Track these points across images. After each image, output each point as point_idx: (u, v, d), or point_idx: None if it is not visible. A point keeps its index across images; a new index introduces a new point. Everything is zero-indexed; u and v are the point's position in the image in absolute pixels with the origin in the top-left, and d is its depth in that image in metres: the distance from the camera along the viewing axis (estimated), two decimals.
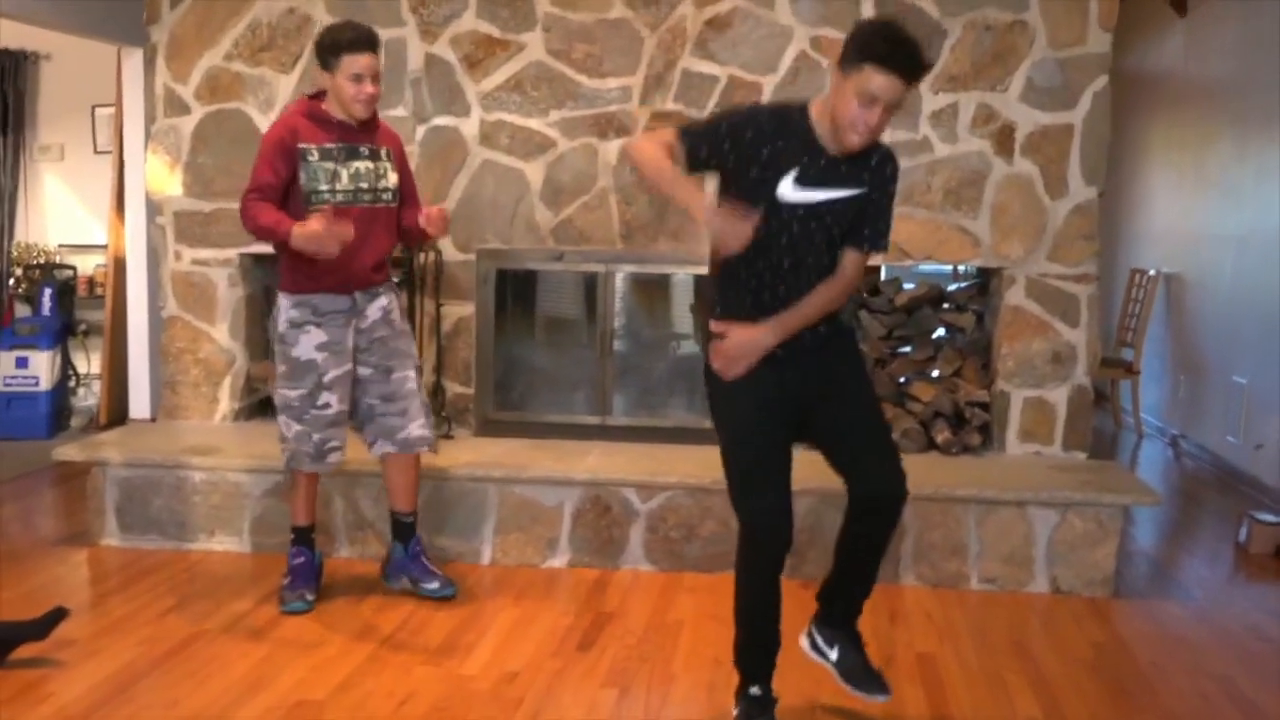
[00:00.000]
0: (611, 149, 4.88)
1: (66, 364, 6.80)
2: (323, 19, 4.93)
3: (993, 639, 3.82)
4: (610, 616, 3.98)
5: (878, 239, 3.00)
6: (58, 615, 3.55)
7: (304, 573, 4.03)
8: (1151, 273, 7.28)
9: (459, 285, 5.01)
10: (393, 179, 3.92)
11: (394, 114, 4.92)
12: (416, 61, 4.94)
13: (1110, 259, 7.83)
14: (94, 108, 7.06)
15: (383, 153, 3.90)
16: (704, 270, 4.88)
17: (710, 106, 4.80)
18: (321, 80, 3.79)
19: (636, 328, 5.39)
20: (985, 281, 5.04)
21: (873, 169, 2.94)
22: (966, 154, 4.75)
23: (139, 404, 6.28)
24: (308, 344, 3.83)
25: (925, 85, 4.70)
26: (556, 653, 3.66)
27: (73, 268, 7.11)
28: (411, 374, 4.00)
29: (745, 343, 3.01)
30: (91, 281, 7.08)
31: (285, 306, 3.84)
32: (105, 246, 6.69)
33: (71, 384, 6.91)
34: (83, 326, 6.96)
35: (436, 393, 4.96)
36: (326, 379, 3.85)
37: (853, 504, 3.10)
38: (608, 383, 5.06)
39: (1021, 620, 4.01)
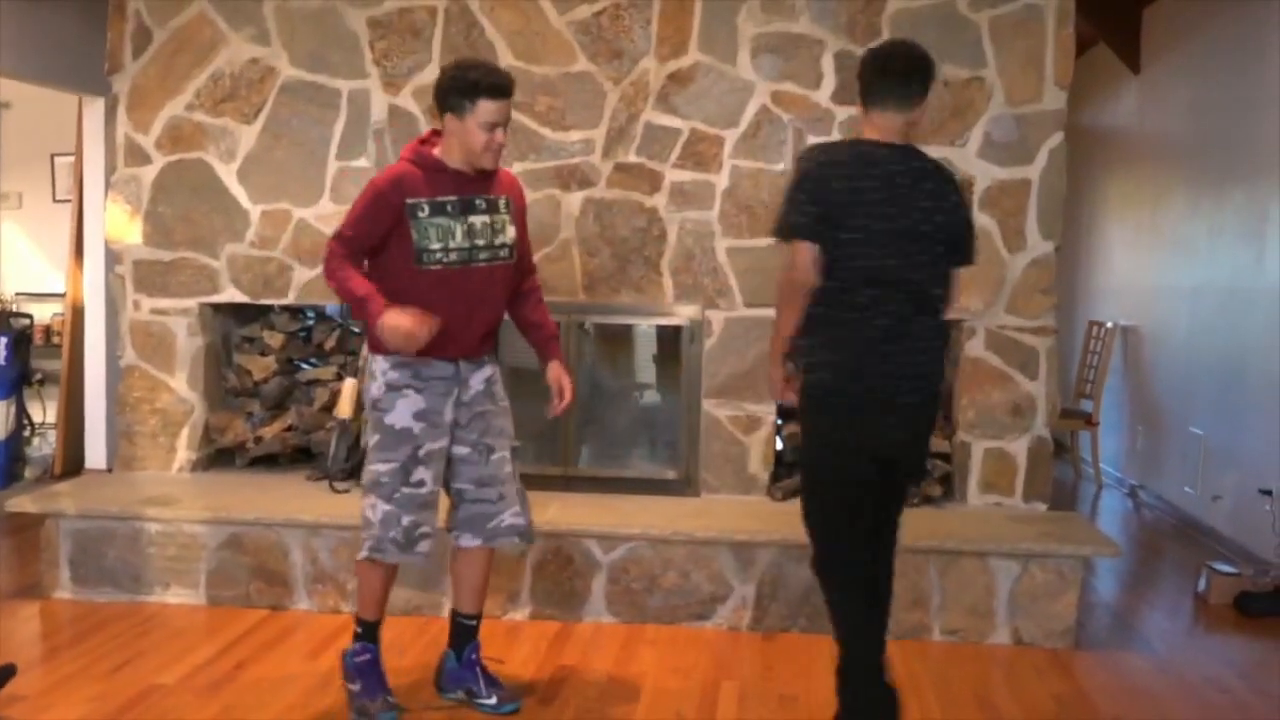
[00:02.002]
0: (574, 201, 4.90)
1: (21, 413, 6.70)
2: (286, 70, 4.94)
3: (955, 691, 3.82)
4: (571, 670, 3.94)
5: (972, 254, 3.26)
6: (6, 672, 3.47)
7: (374, 673, 3.48)
8: (1109, 325, 7.37)
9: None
10: (511, 233, 3.49)
11: (356, 165, 4.93)
12: (380, 112, 4.95)
13: (1068, 312, 7.93)
14: (53, 156, 7.04)
15: (501, 203, 3.48)
16: (665, 321, 4.93)
17: (673, 159, 4.84)
18: (447, 124, 3.35)
19: (599, 378, 5.38)
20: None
21: (947, 181, 3.17)
22: None
23: (95, 454, 6.20)
24: (405, 410, 3.38)
25: None
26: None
27: (29, 316, 7.04)
28: (509, 455, 3.58)
29: None
30: (48, 330, 7.02)
31: (383, 368, 3.40)
32: (63, 295, 6.63)
33: (26, 433, 6.82)
34: (39, 375, 6.89)
35: None
36: (422, 452, 3.40)
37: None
38: (570, 433, 5.05)
39: (984, 672, 4.00)
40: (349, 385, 4.84)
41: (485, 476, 3.52)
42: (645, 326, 5.17)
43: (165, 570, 4.50)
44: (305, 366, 5.33)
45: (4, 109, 7.14)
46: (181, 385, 5.12)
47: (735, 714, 3.61)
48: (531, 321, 3.70)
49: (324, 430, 5.05)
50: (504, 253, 3.47)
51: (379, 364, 3.41)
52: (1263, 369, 5.43)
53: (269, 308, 5.27)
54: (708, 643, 4.23)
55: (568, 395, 3.67)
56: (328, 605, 4.43)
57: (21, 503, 4.65)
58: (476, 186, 3.42)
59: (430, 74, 4.89)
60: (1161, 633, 4.59)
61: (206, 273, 5.07)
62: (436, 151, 3.41)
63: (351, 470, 4.89)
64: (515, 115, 4.85)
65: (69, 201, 6.61)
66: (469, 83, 3.28)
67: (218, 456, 5.24)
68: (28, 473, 6.60)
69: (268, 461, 5.22)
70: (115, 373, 5.34)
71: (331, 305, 5.28)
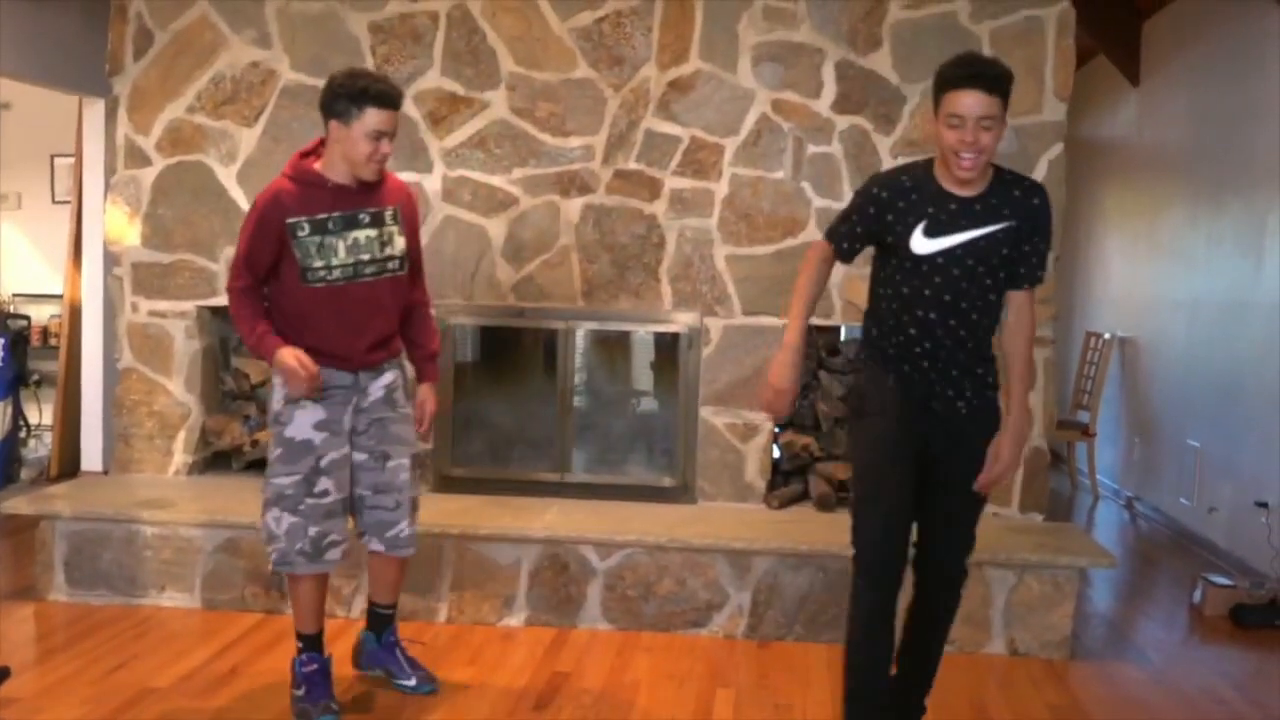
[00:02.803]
0: (573, 207, 4.90)
1: (18, 414, 6.69)
2: (287, 74, 4.95)
3: (951, 701, 3.81)
4: (566, 677, 3.94)
5: (1034, 273, 3.05)
6: (0, 675, 3.47)
7: (320, 681, 3.51)
8: (1107, 336, 7.37)
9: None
10: (400, 245, 3.46)
11: None
12: None
13: (1066, 323, 7.95)
14: (53, 157, 7.04)
15: (387, 215, 3.44)
16: (663, 328, 4.93)
17: (673, 167, 4.85)
18: (331, 132, 3.32)
19: (597, 385, 5.38)
20: None
21: (1015, 200, 2.99)
22: None
23: (91, 456, 6.19)
24: (304, 422, 3.39)
25: (885, 149, 4.78)
26: (511, 713, 3.61)
27: (27, 317, 7.04)
28: (407, 463, 3.58)
29: (1017, 444, 3.05)
30: (45, 331, 7.01)
31: (279, 382, 3.41)
32: (60, 296, 6.62)
33: (22, 435, 6.81)
34: (35, 377, 6.88)
35: None
36: (324, 462, 3.41)
37: (918, 571, 3.19)
38: (567, 440, 5.05)
39: (979, 682, 4.00)
40: None
41: (381, 483, 3.54)
42: (643, 333, 5.17)
43: (160, 573, 4.50)
44: None
45: (4, 109, 7.14)
46: (179, 388, 5.11)
47: None
48: (409, 338, 3.69)
49: None
50: (393, 265, 3.46)
51: (277, 378, 3.42)
52: (1260, 382, 5.43)
53: None
54: (703, 650, 4.22)
55: (426, 423, 3.70)
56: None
57: (17, 504, 4.64)
58: (359, 200, 3.39)
59: (433, 79, 4.90)
60: (1157, 644, 4.59)
61: (205, 275, 5.07)
62: (318, 165, 3.37)
63: None
64: (516, 121, 4.88)
65: (68, 203, 6.60)
66: (357, 89, 3.25)
67: (214, 460, 5.23)
68: (23, 474, 6.58)
69: (264, 465, 5.20)
70: (112, 375, 5.34)
71: None
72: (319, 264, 3.33)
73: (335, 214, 3.34)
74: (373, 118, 3.25)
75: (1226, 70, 5.93)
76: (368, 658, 3.79)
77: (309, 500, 3.41)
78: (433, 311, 3.85)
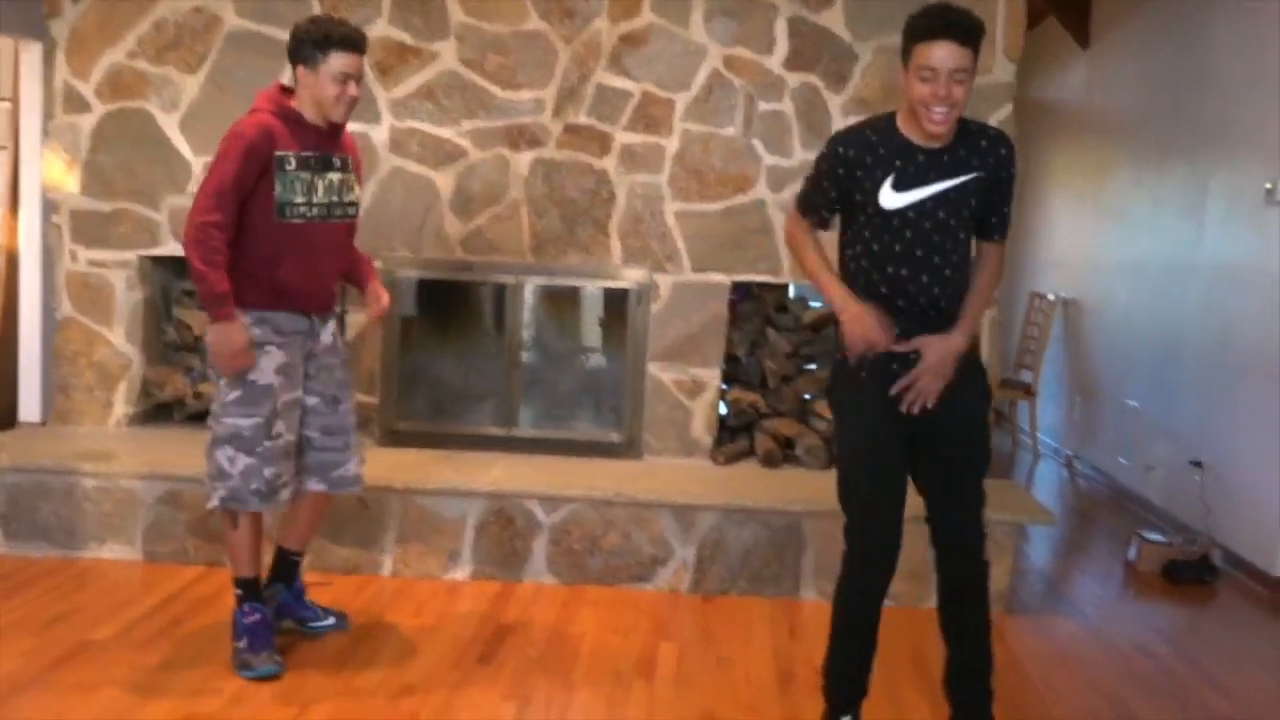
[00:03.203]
0: (523, 160, 4.87)
1: None
2: (231, 20, 4.86)
3: (892, 654, 3.86)
4: (511, 629, 3.95)
5: (1004, 226, 3.04)
6: None
7: (263, 632, 3.51)
8: (1050, 297, 7.46)
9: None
10: (357, 192, 3.62)
11: None
12: None
13: (1011, 283, 8.02)
14: None
15: (349, 163, 3.58)
16: (612, 284, 4.92)
17: (624, 122, 4.82)
18: (300, 78, 3.39)
19: (545, 340, 5.37)
20: None
21: (983, 151, 2.93)
22: None
23: (29, 407, 6.07)
24: (268, 366, 3.42)
25: (835, 108, 4.78)
26: (456, 665, 3.62)
27: None
28: (352, 405, 3.71)
29: (945, 354, 2.94)
30: None
31: (244, 323, 3.39)
32: None
33: None
34: None
35: None
36: (281, 405, 3.46)
37: (935, 547, 3.14)
38: (515, 394, 5.04)
39: (919, 635, 4.06)
40: None
41: (333, 425, 3.63)
42: (592, 289, 5.16)
43: (101, 525, 4.45)
44: None
45: None
46: (119, 339, 5.04)
47: (673, 674, 3.64)
48: (356, 267, 3.79)
49: None
50: (352, 210, 3.60)
51: (239, 318, 3.39)
52: (1198, 344, 5.53)
53: None
54: (648, 604, 4.26)
55: (385, 302, 3.77)
56: (264, 561, 4.39)
57: None
58: (332, 145, 3.50)
59: (381, 28, 4.83)
60: (1092, 599, 4.68)
61: (147, 225, 4.99)
62: (295, 104, 3.44)
63: None
64: (465, 73, 4.83)
65: (4, 148, 6.45)
66: (322, 34, 3.35)
67: (156, 411, 5.17)
68: None
69: (206, 417, 5.15)
70: (51, 325, 5.24)
71: None
72: (300, 199, 3.40)
73: (316, 153, 3.44)
74: (338, 61, 3.35)
75: (1174, 36, 5.98)
76: (279, 608, 3.77)
77: (267, 443, 3.45)
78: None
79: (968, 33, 2.76)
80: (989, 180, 2.93)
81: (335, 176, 3.50)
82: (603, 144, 4.85)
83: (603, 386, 5.33)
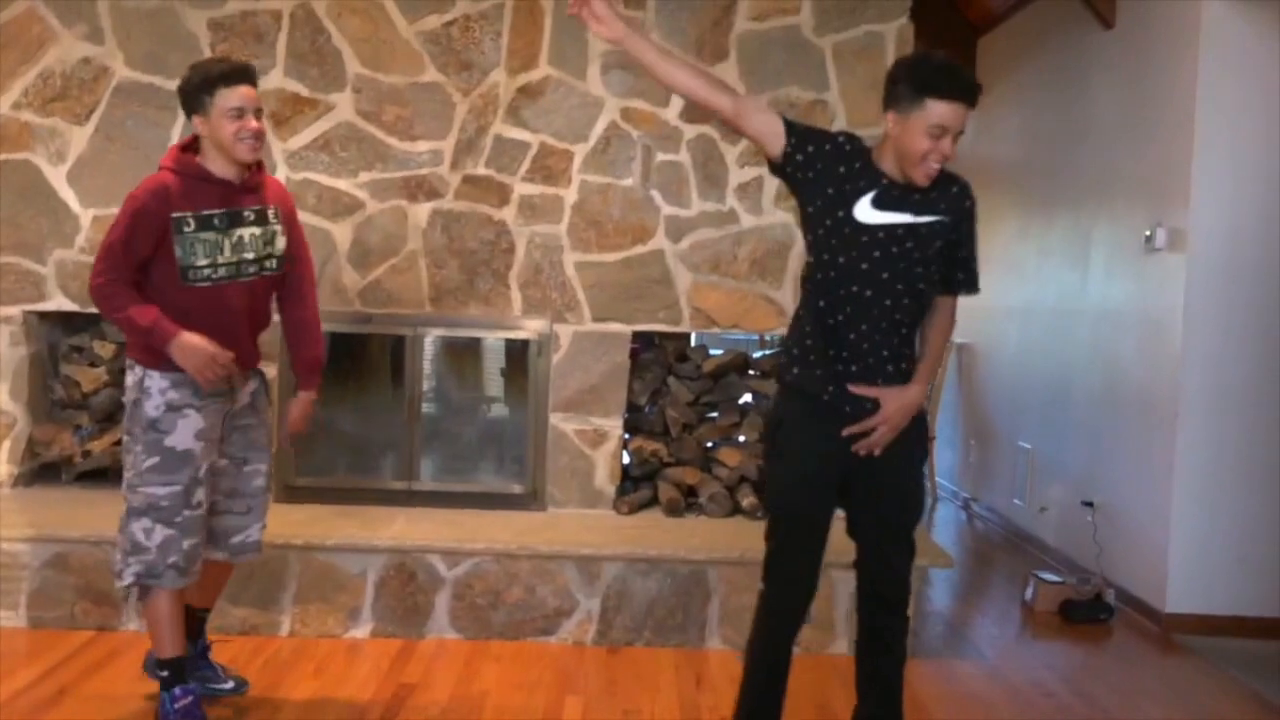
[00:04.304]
0: (422, 212, 4.85)
1: None
2: (121, 71, 4.77)
3: (797, 701, 3.86)
4: (413, 688, 3.88)
5: (972, 282, 3.05)
6: None
7: (200, 715, 3.35)
8: None
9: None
10: (281, 244, 3.41)
11: None
12: None
13: None
14: None
15: (270, 213, 3.39)
16: (512, 334, 4.91)
17: (522, 172, 4.83)
18: (199, 129, 3.26)
19: (446, 392, 5.33)
20: None
21: (952, 197, 2.97)
22: (771, 225, 4.90)
23: None
24: (187, 431, 3.26)
25: (731, 159, 4.85)
26: None
27: None
28: (264, 469, 3.54)
29: (903, 405, 2.94)
30: None
31: (160, 387, 3.25)
32: None
33: None
34: None
35: None
36: (202, 472, 3.30)
37: (860, 595, 3.14)
38: (415, 447, 4.98)
39: (824, 681, 4.08)
40: None
41: (236, 489, 3.48)
42: (493, 339, 5.13)
43: None
44: None
45: None
46: (3, 396, 4.88)
47: None
48: (294, 342, 3.64)
49: None
50: (271, 264, 3.41)
51: (156, 381, 3.26)
52: (1084, 386, 5.69)
53: (99, 317, 5.06)
54: (553, 658, 4.22)
55: (290, 438, 3.70)
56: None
57: None
58: (244, 198, 3.33)
59: (276, 80, 4.79)
60: (991, 640, 4.75)
61: (32, 279, 4.85)
62: (199, 159, 3.30)
63: None
64: (362, 124, 4.81)
65: None
66: (202, 76, 3.24)
67: (42, 471, 5.01)
68: None
69: (96, 476, 5.01)
70: None
71: None
72: (203, 262, 3.24)
73: (221, 211, 3.27)
74: (226, 97, 3.21)
75: (1055, 88, 6.19)
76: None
77: (186, 512, 3.28)
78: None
79: (976, 96, 2.85)
80: (953, 226, 2.98)
81: (248, 232, 3.32)
82: (501, 195, 4.86)
83: (505, 438, 5.30)
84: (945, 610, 5.16)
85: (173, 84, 4.72)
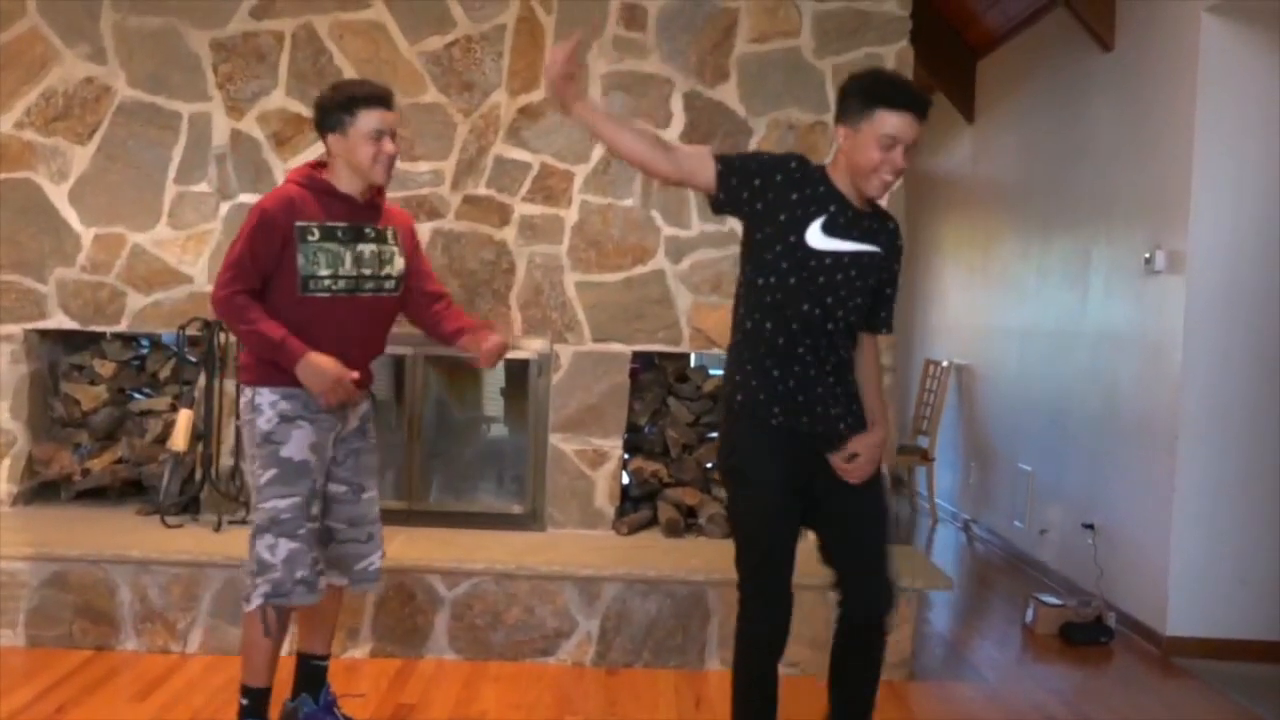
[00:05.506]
0: (423, 232, 4.85)
1: None
2: (123, 90, 4.79)
3: None
4: (411, 709, 3.87)
5: (890, 323, 3.10)
6: None
7: None
8: (944, 364, 7.62)
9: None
10: (399, 265, 3.36)
11: (196, 189, 4.81)
12: (222, 137, 4.83)
13: (906, 350, 8.19)
14: None
15: (389, 234, 3.35)
16: (512, 354, 4.90)
17: (523, 193, 4.84)
18: (332, 147, 3.24)
19: (446, 412, 5.33)
20: None
21: (889, 231, 3.01)
22: None
23: None
24: (302, 442, 3.19)
25: None
26: None
27: None
28: (377, 495, 3.47)
29: (874, 445, 3.00)
30: None
31: (270, 400, 3.19)
32: None
33: None
34: None
35: (234, 475, 4.80)
36: (319, 485, 3.24)
37: (840, 616, 3.15)
38: (415, 468, 4.98)
39: (823, 704, 4.05)
40: (184, 416, 4.68)
41: (357, 516, 3.40)
42: None
43: None
44: (138, 396, 5.14)
45: None
46: (4, 414, 4.88)
47: None
48: (457, 329, 3.54)
49: (156, 463, 4.88)
50: (389, 284, 3.35)
51: (266, 396, 3.20)
52: (1084, 408, 5.68)
53: (100, 335, 5.07)
54: (552, 679, 4.20)
55: (495, 347, 3.51)
56: (156, 645, 4.26)
57: None
58: (367, 215, 3.30)
59: (276, 99, 4.81)
60: (992, 662, 4.74)
61: (33, 297, 4.86)
62: (327, 176, 3.28)
63: (185, 505, 4.74)
64: None
65: None
66: (346, 97, 3.21)
67: (41, 490, 5.00)
68: None
69: (96, 495, 5.01)
70: None
71: (167, 334, 5.09)
72: (325, 272, 3.19)
73: (345, 224, 3.25)
74: (368, 119, 3.19)
75: (1054, 110, 6.21)
76: None
77: (309, 525, 3.21)
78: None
79: (926, 108, 2.85)
80: (886, 262, 3.01)
81: (368, 249, 3.27)
82: (502, 215, 4.87)
83: (504, 458, 5.29)
84: (945, 632, 5.14)
85: (175, 104, 4.79)
